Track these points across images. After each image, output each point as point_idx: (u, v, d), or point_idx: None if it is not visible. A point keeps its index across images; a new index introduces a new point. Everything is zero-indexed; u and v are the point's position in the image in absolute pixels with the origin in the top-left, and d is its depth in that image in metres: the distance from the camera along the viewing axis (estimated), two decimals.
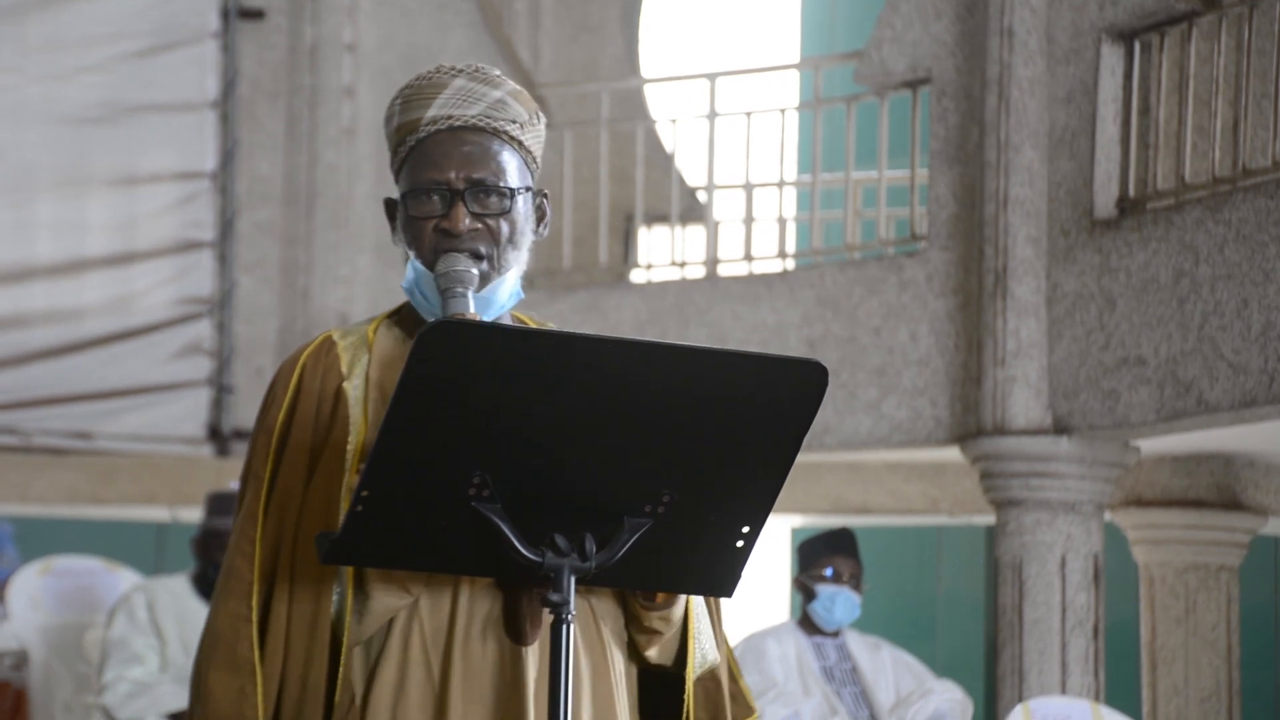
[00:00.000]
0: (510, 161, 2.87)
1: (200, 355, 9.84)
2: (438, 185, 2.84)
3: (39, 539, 11.09)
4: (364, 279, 9.94)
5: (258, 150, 10.00)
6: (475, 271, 2.81)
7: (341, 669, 2.78)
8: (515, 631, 2.77)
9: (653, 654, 2.92)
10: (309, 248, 9.95)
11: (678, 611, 2.87)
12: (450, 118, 2.86)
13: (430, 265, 2.83)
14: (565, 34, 11.35)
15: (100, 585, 8.15)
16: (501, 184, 2.84)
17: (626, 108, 10.33)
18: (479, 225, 2.84)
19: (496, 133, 2.87)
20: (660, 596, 2.84)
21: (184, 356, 9.82)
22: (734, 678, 3.01)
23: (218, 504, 7.49)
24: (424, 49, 10.05)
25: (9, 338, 9.57)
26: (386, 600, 2.77)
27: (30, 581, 8.07)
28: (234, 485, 7.65)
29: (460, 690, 2.77)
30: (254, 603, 2.80)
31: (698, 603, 2.93)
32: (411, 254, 2.86)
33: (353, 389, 2.86)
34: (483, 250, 2.83)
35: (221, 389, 9.85)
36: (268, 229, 10.00)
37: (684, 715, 2.92)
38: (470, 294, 2.80)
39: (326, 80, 9.97)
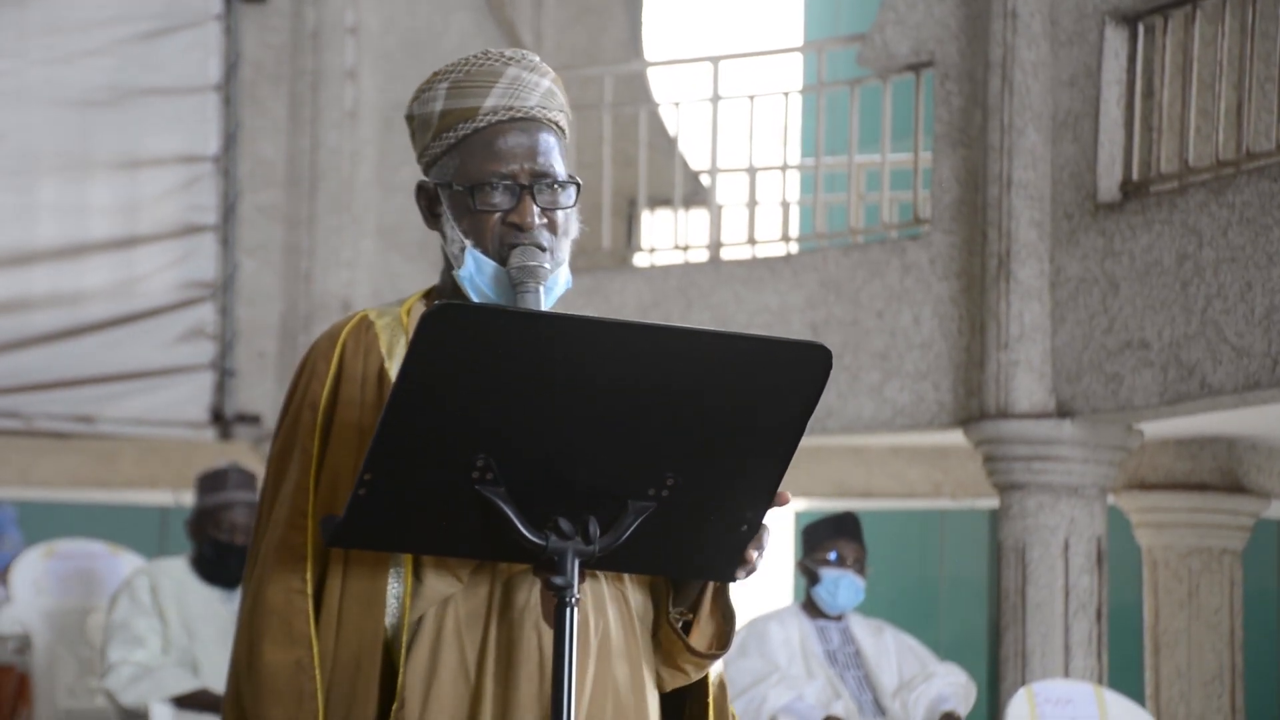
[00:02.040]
0: (560, 151, 2.89)
1: (203, 339, 9.83)
2: (504, 178, 2.84)
3: (42, 523, 11.10)
4: (366, 262, 9.93)
5: (260, 133, 9.99)
6: (548, 266, 2.81)
7: (403, 651, 2.77)
8: (551, 617, 2.77)
9: (668, 686, 2.93)
10: (311, 231, 9.94)
11: (711, 664, 2.88)
12: (511, 108, 2.85)
13: (497, 258, 2.83)
14: (568, 17, 11.34)
15: (103, 569, 8.16)
16: (562, 178, 2.86)
17: (629, 91, 10.32)
18: (544, 219, 2.85)
19: (549, 123, 2.88)
20: (708, 646, 2.85)
21: (187, 340, 9.81)
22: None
23: (208, 483, 7.49)
24: (426, 32, 10.04)
25: (11, 321, 9.57)
26: (438, 585, 2.77)
27: (34, 565, 8.07)
28: (222, 463, 7.65)
29: (494, 673, 2.77)
30: (308, 576, 2.78)
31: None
32: (469, 244, 2.84)
33: (394, 369, 2.84)
34: (545, 243, 2.84)
35: (224, 373, 9.85)
36: (270, 212, 9.99)
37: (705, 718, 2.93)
38: (542, 289, 2.80)
39: (329, 63, 9.96)
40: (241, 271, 9.91)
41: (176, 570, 7.37)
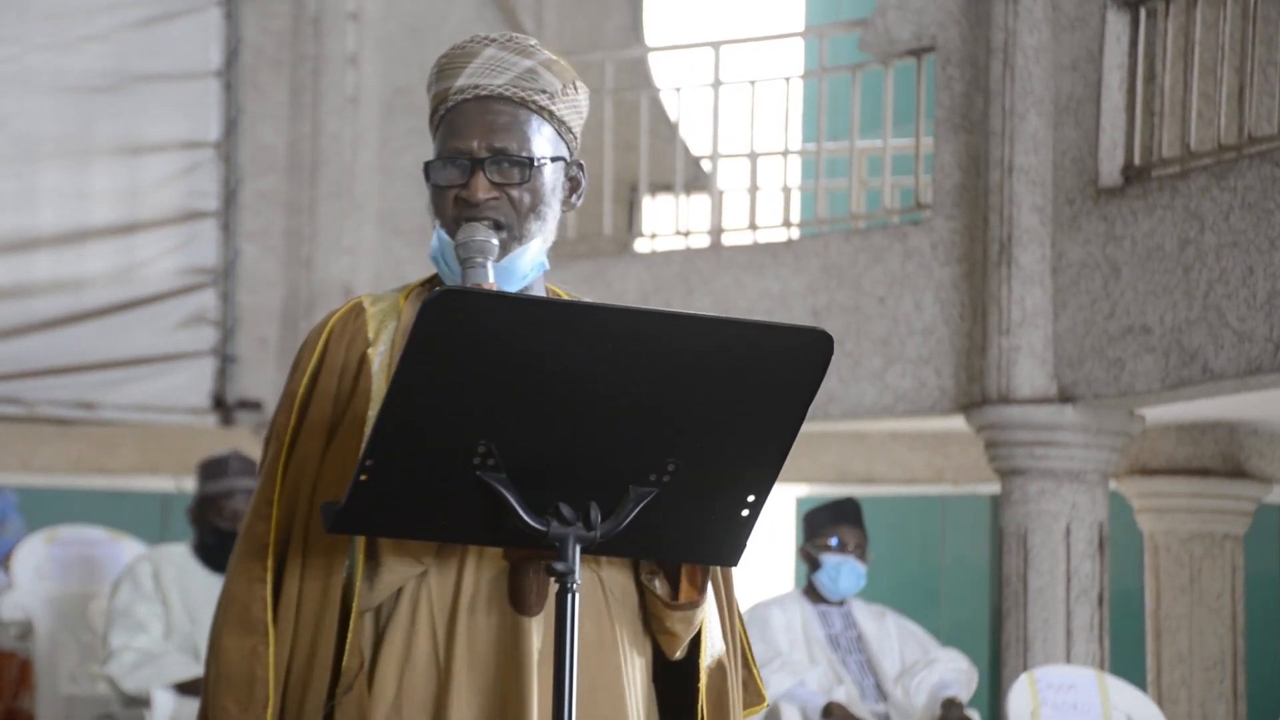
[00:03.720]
0: (537, 131, 2.86)
1: (204, 325, 9.83)
2: (459, 154, 2.85)
3: (44, 509, 11.10)
4: (368, 248, 9.93)
5: (261, 119, 9.98)
6: (495, 241, 2.81)
7: (350, 634, 2.78)
8: (520, 603, 2.78)
9: (677, 655, 2.92)
10: (313, 217, 9.94)
11: (700, 615, 2.87)
12: (477, 87, 2.86)
13: (452, 235, 2.84)
14: (569, 2, 11.32)
15: (105, 555, 8.15)
16: (523, 154, 2.84)
17: (631, 77, 10.30)
18: (498, 195, 2.84)
19: (524, 102, 2.87)
20: (684, 596, 2.84)
21: (188, 326, 9.81)
22: (748, 664, 3.01)
23: (209, 470, 7.49)
24: (428, 17, 10.03)
25: (13, 307, 9.57)
26: (398, 569, 2.78)
27: (35, 551, 8.07)
28: (223, 451, 7.66)
29: (464, 660, 2.78)
30: (269, 564, 2.81)
31: (710, 593, 2.93)
32: (437, 222, 2.87)
33: (377, 356, 2.86)
34: (502, 220, 2.83)
35: (225, 359, 9.85)
36: (271, 198, 9.99)
37: (697, 704, 2.92)
38: (490, 264, 2.80)
39: (330, 49, 9.95)
40: (243, 257, 9.90)
41: (178, 556, 7.37)
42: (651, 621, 2.89)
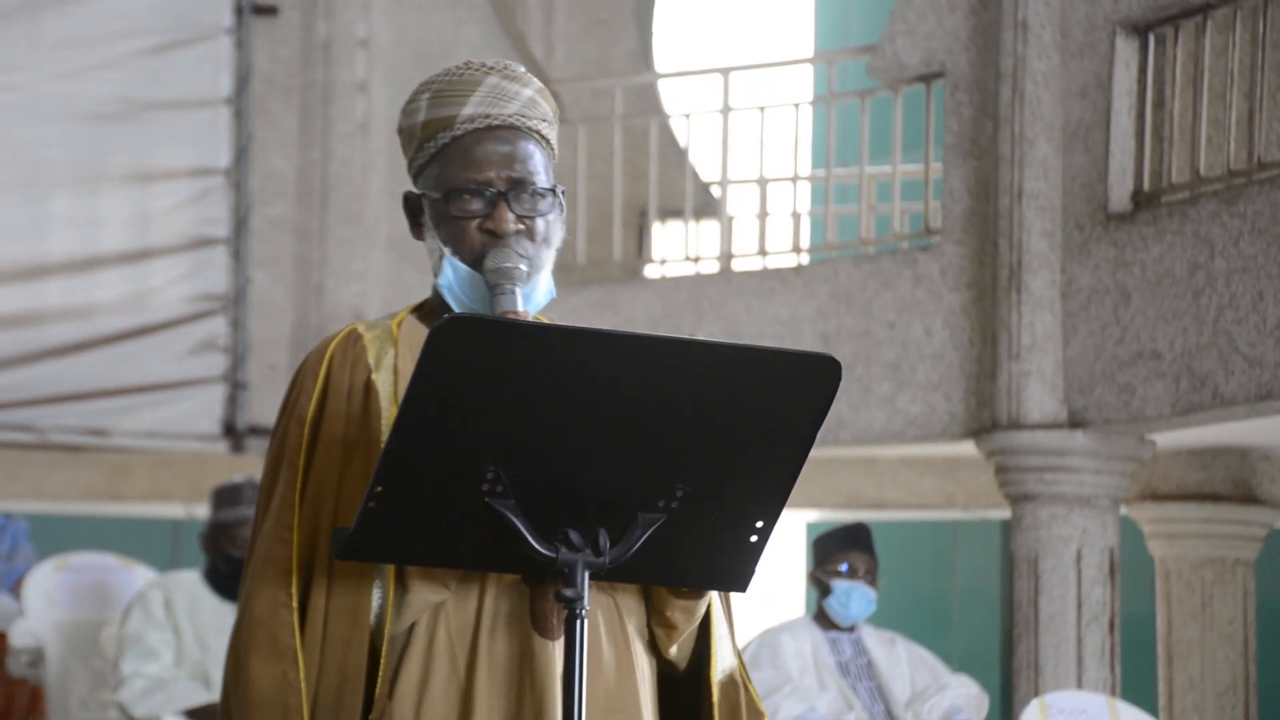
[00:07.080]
0: (543, 160, 2.89)
1: (215, 352, 9.84)
2: (480, 185, 2.84)
3: (54, 536, 11.11)
4: (378, 274, 9.94)
5: (271, 146, 10.00)
6: (524, 268, 2.82)
7: (383, 661, 2.77)
8: (541, 626, 2.77)
9: (673, 652, 2.91)
10: (323, 243, 9.95)
11: (700, 607, 2.87)
12: (488, 116, 2.86)
13: (474, 264, 2.84)
14: (578, 29, 11.35)
15: (116, 582, 8.15)
16: (540, 184, 2.86)
17: (640, 103, 10.32)
18: (520, 225, 2.85)
19: (530, 131, 2.88)
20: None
21: (198, 353, 9.82)
22: (746, 684, 3.01)
23: (223, 497, 7.49)
24: (437, 44, 10.05)
25: (24, 335, 9.58)
26: (424, 595, 2.77)
27: (46, 578, 8.07)
28: (237, 478, 7.66)
29: (486, 683, 2.77)
30: (294, 589, 2.78)
31: (718, 609, 2.93)
32: (447, 251, 2.86)
33: (382, 382, 2.86)
34: (522, 250, 2.84)
35: (236, 385, 9.86)
36: (282, 225, 10.00)
37: (706, 716, 2.91)
38: (519, 291, 2.81)
39: (340, 76, 9.97)
40: (253, 284, 9.91)
41: (189, 583, 7.37)
42: (652, 616, 2.89)
